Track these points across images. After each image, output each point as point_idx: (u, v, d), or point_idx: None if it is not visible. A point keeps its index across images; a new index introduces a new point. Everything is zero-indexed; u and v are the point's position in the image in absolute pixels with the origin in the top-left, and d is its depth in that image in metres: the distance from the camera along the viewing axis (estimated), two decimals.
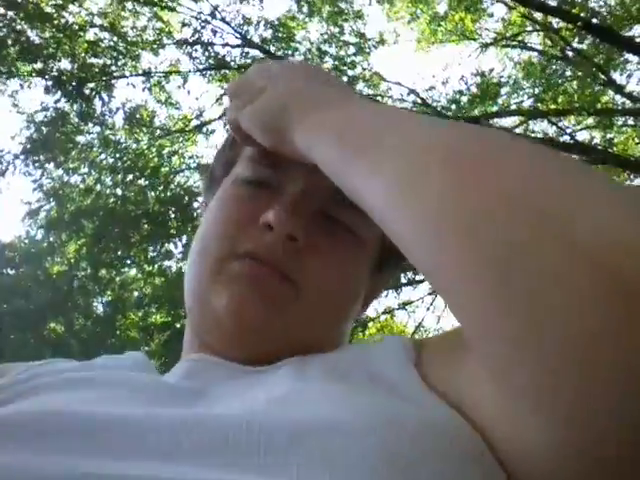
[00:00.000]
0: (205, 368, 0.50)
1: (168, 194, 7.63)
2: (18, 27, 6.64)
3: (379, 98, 7.33)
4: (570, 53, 6.99)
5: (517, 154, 0.33)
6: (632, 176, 7.22)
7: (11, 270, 9.05)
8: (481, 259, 0.29)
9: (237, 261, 0.51)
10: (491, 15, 7.59)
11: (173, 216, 7.35)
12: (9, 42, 6.60)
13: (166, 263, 7.66)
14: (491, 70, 7.29)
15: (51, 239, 7.96)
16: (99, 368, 0.54)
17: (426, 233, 0.33)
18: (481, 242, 0.29)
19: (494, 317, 0.29)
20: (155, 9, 7.20)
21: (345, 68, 7.29)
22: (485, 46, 7.60)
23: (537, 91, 7.28)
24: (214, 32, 7.25)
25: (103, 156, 7.50)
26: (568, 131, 7.18)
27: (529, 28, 7.46)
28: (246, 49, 7.39)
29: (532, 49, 7.66)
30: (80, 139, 7.44)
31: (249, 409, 0.40)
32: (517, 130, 7.23)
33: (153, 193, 7.51)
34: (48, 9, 6.72)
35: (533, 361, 0.28)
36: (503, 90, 7.45)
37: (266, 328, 0.51)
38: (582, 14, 6.40)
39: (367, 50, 7.34)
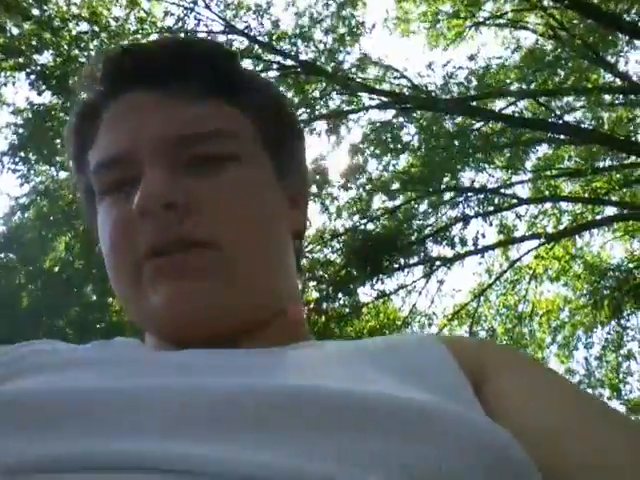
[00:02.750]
0: (203, 352, 0.47)
1: None
2: None
3: (370, 83, 7.27)
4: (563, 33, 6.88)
5: None
6: (619, 155, 7.20)
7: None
8: None
9: (146, 264, 0.50)
10: None
11: None
12: None
13: None
14: (475, 55, 7.20)
15: (42, 232, 7.98)
16: (93, 351, 0.52)
17: None
18: None
19: None
20: None
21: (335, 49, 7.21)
22: (476, 25, 7.49)
23: (527, 72, 7.20)
24: (197, 20, 7.16)
25: None
26: (557, 112, 7.11)
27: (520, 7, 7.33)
28: (230, 36, 7.31)
29: (523, 28, 7.55)
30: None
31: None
32: (506, 111, 7.18)
33: None
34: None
35: None
36: (493, 71, 7.37)
37: (213, 301, 0.49)
38: None
39: (358, 33, 7.24)
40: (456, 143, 6.74)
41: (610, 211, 7.75)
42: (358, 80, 7.16)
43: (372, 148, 7.32)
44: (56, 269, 7.66)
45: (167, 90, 0.53)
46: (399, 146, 7.30)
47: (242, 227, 0.51)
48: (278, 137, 0.58)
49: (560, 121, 7.00)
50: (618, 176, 7.42)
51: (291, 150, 0.61)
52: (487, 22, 7.54)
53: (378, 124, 7.46)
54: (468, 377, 0.46)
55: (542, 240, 7.65)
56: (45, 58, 6.85)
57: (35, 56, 6.77)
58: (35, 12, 6.62)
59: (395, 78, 7.35)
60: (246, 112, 0.55)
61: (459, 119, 7.19)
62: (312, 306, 7.03)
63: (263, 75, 7.38)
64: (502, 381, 0.46)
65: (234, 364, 0.44)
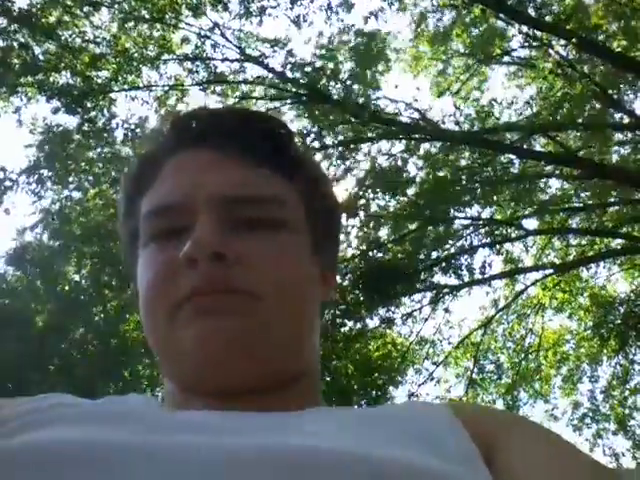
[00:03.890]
0: (219, 413, 0.48)
1: None
2: (22, 40, 6.71)
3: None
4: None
5: None
6: (627, 190, 7.24)
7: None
8: None
9: (186, 304, 0.51)
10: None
11: None
12: (12, 55, 6.67)
13: None
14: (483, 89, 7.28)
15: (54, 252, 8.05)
16: (105, 406, 0.53)
17: None
18: None
19: None
20: (156, 25, 7.24)
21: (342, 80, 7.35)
22: (481, 61, 7.62)
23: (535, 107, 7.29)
24: (213, 47, 7.33)
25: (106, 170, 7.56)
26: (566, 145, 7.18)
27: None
28: (244, 63, 7.47)
29: (532, 66, 7.67)
30: (83, 154, 7.50)
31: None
32: (516, 145, 7.26)
33: None
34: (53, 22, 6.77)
35: None
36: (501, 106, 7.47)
37: (245, 341, 0.51)
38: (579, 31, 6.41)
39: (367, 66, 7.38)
40: (463, 177, 6.83)
41: (617, 245, 7.78)
42: (368, 110, 7.28)
43: (378, 180, 7.39)
44: (66, 288, 7.73)
45: (228, 153, 0.57)
46: (406, 176, 7.38)
47: (282, 286, 0.53)
48: (319, 213, 0.61)
49: (569, 155, 7.07)
50: (625, 211, 7.46)
51: (329, 229, 0.64)
52: (495, 59, 7.67)
53: (385, 156, 7.56)
54: (477, 444, 0.47)
55: (549, 271, 7.66)
56: (63, 77, 7.00)
57: (54, 75, 6.91)
58: (58, 32, 6.76)
59: (405, 110, 7.47)
60: (295, 185, 0.59)
61: (467, 153, 7.28)
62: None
63: (276, 102, 7.53)
64: (513, 450, 0.47)
65: (249, 425, 0.45)
